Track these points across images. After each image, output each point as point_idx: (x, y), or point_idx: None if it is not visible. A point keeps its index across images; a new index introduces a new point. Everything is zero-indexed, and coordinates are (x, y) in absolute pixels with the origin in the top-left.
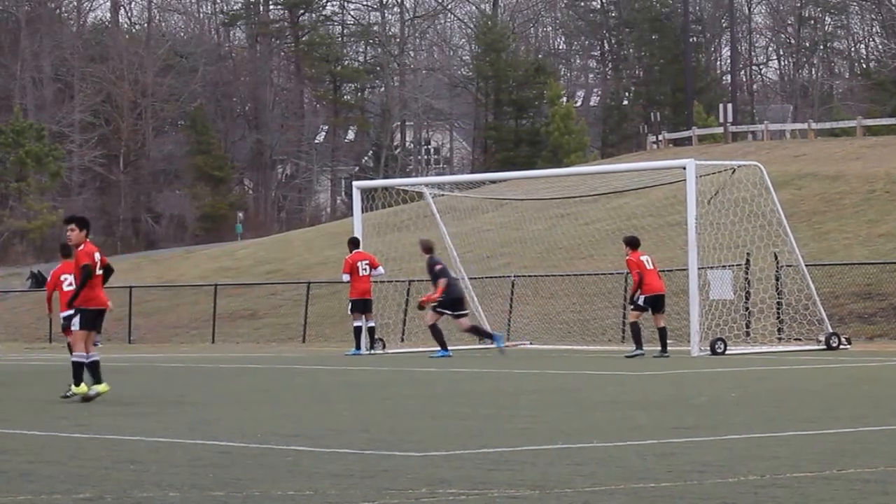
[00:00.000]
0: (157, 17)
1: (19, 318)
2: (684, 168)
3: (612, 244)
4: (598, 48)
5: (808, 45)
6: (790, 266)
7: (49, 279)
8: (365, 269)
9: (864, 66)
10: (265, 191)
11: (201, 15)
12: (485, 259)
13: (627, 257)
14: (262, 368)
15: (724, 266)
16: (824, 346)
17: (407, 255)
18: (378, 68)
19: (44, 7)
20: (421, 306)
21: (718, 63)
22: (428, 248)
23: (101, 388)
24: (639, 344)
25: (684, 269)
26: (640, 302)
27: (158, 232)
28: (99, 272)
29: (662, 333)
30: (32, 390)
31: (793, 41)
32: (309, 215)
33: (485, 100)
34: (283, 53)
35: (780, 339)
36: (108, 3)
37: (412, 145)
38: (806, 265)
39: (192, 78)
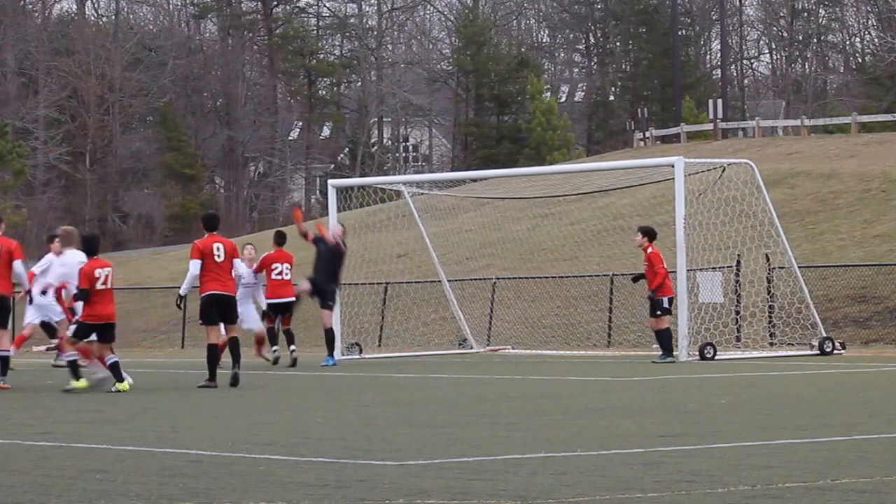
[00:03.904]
0: (126, 9)
1: None
2: (672, 166)
3: (598, 245)
4: (584, 41)
5: (801, 38)
6: (782, 268)
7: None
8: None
9: (860, 60)
10: (237, 189)
11: (171, 7)
12: (465, 261)
13: (650, 250)
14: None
15: (713, 268)
16: (818, 352)
17: (384, 256)
18: (355, 62)
19: None
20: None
21: (708, 57)
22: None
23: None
24: (669, 350)
25: (672, 272)
26: (666, 304)
27: (126, 232)
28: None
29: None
30: None
31: (785, 34)
32: (282, 215)
33: (465, 95)
34: (255, 47)
35: (771, 343)
36: None
37: (390, 142)
38: (799, 267)
39: (161, 72)
